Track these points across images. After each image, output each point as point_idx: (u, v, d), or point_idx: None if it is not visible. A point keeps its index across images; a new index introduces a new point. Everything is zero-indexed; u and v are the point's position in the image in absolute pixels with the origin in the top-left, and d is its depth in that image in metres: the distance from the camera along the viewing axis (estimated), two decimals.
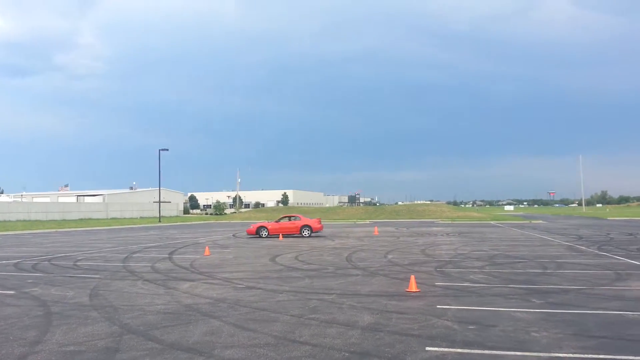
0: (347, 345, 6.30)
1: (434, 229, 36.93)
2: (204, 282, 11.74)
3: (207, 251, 18.99)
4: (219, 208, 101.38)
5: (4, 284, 11.91)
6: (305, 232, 27.68)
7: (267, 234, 27.81)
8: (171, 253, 19.27)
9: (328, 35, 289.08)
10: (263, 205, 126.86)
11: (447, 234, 29.67)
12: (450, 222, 51.12)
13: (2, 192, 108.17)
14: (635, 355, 5.77)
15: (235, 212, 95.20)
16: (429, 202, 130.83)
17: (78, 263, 16.15)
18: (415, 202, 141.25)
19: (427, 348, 6.13)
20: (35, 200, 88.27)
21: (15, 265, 15.81)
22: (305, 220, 28.40)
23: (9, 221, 57.22)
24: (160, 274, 13.21)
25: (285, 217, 30.25)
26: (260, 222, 30.21)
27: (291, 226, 28.16)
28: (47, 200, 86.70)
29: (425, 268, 13.88)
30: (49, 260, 17.26)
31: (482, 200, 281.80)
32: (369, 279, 12.00)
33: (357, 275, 12.75)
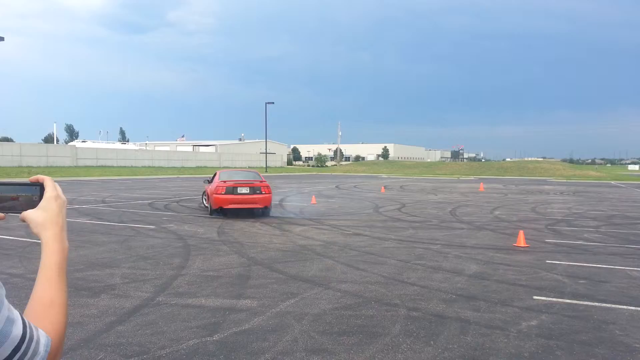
0: (454, 289, 6.66)
1: (546, 187, 35.01)
2: (314, 227, 12.62)
3: (313, 200, 20.04)
4: (320, 160, 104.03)
5: (145, 219, 13.78)
6: None
7: None
8: (281, 201, 20.62)
9: None
10: (363, 158, 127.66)
11: (561, 193, 28.09)
12: (564, 180, 47.94)
13: (128, 141, 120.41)
14: None
15: (336, 165, 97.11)
16: (541, 159, 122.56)
17: (202, 205, 17.98)
18: (526, 159, 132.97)
19: (535, 297, 6.30)
20: (157, 148, 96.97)
21: (149, 204, 18.03)
22: None
23: (136, 167, 63.86)
24: (274, 219, 14.36)
25: None
26: None
27: None
28: (167, 149, 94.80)
29: (535, 225, 13.57)
30: (177, 202, 19.40)
31: (602, 159, 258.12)
32: (475, 233, 12.09)
33: (462, 228, 12.86)
